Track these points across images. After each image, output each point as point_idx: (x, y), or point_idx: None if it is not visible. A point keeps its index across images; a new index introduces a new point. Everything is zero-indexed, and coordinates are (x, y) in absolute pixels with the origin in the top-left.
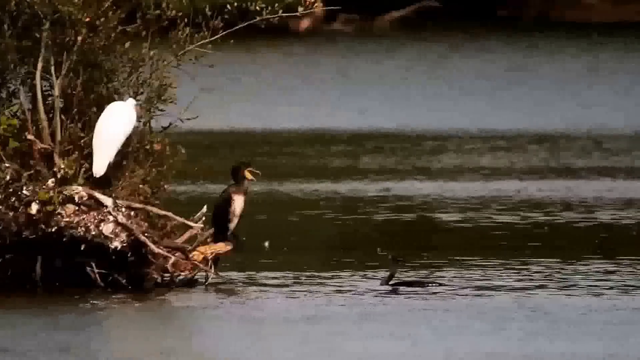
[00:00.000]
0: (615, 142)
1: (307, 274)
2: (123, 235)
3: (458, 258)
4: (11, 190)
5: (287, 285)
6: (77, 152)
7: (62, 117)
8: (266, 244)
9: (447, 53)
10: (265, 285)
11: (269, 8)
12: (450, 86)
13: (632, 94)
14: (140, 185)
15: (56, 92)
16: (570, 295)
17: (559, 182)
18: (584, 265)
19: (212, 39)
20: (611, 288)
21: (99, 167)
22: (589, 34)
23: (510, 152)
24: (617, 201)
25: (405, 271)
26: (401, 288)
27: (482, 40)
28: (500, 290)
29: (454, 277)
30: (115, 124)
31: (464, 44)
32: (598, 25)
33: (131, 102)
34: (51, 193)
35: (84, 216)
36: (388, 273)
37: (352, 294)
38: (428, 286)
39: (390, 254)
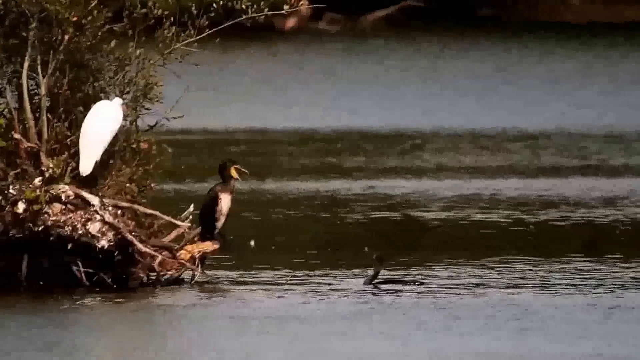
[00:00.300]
0: (599, 142)
1: (295, 272)
2: (110, 234)
3: (443, 256)
4: None
5: (274, 284)
6: (66, 152)
7: (49, 116)
8: (252, 242)
9: (435, 52)
10: (252, 283)
11: (255, 6)
12: (438, 85)
13: (618, 94)
14: (127, 184)
15: (42, 91)
16: (556, 294)
17: (543, 181)
18: (569, 264)
19: (198, 37)
20: (597, 286)
21: (86, 166)
22: (577, 34)
23: (495, 151)
24: (600, 200)
25: (389, 270)
26: (386, 287)
27: (467, 40)
28: (487, 289)
29: (439, 275)
30: (102, 123)
31: (449, 44)
32: (587, 26)
33: (117, 101)
34: (38, 192)
35: (71, 215)
36: (372, 272)
37: (340, 293)
38: (412, 285)
39: (374, 253)
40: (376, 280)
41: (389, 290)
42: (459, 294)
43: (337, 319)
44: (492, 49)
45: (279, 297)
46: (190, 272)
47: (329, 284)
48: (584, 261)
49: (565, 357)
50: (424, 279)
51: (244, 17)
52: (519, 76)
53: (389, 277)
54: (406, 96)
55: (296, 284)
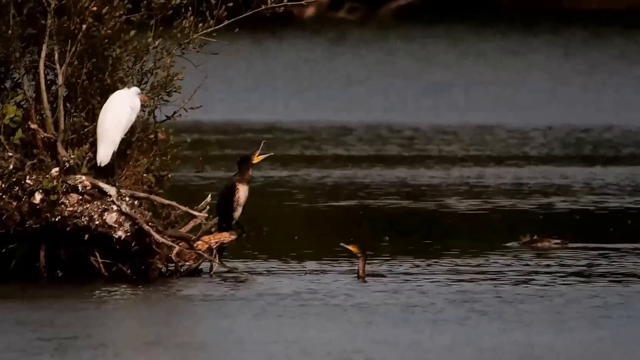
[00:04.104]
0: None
1: (312, 262)
2: (127, 225)
3: (436, 246)
4: (14, 179)
5: (293, 273)
6: (87, 144)
7: (67, 105)
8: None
9: (453, 43)
10: (271, 273)
11: None
12: (448, 77)
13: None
14: (144, 175)
15: (60, 80)
16: (565, 283)
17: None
18: (570, 252)
19: (216, 27)
20: (600, 275)
21: (104, 156)
22: (603, 22)
23: (515, 142)
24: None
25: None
26: (377, 279)
27: (488, 30)
28: (489, 278)
29: (436, 266)
30: (119, 112)
31: (469, 34)
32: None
33: (135, 90)
34: (55, 182)
35: (88, 205)
36: (359, 265)
37: (357, 283)
38: (402, 277)
39: (346, 243)
40: (366, 273)
41: (386, 282)
42: (458, 284)
43: (357, 308)
44: (512, 38)
45: (299, 286)
46: (209, 263)
47: (347, 274)
48: (590, 249)
49: (581, 346)
50: (423, 271)
51: (263, 7)
52: (537, 66)
53: (382, 270)
54: (419, 88)
55: (316, 274)
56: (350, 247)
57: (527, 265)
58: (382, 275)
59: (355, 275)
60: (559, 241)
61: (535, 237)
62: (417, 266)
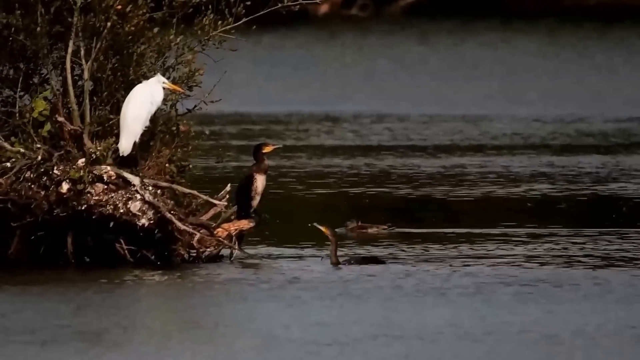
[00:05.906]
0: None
1: (325, 248)
2: (150, 213)
3: (446, 232)
4: (42, 170)
5: (312, 258)
6: (113, 136)
7: (93, 99)
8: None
9: (458, 40)
10: (289, 258)
11: None
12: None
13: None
14: (167, 165)
15: (86, 75)
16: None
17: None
18: (557, 236)
19: (234, 25)
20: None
21: (125, 147)
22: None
23: (508, 132)
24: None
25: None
26: (356, 265)
27: (491, 28)
28: (481, 263)
29: (413, 252)
30: (139, 105)
31: (475, 32)
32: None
33: (158, 79)
34: (81, 172)
35: (113, 194)
36: (331, 251)
37: (374, 267)
38: (384, 263)
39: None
40: (343, 260)
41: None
42: (450, 269)
43: (376, 292)
44: (516, 36)
45: (318, 271)
46: (229, 249)
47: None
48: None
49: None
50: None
51: (279, 5)
52: (537, 62)
53: (359, 255)
54: (426, 81)
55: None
56: (322, 228)
57: (537, 250)
58: (381, 261)
59: (332, 261)
60: (385, 227)
61: (359, 223)
62: (427, 251)
